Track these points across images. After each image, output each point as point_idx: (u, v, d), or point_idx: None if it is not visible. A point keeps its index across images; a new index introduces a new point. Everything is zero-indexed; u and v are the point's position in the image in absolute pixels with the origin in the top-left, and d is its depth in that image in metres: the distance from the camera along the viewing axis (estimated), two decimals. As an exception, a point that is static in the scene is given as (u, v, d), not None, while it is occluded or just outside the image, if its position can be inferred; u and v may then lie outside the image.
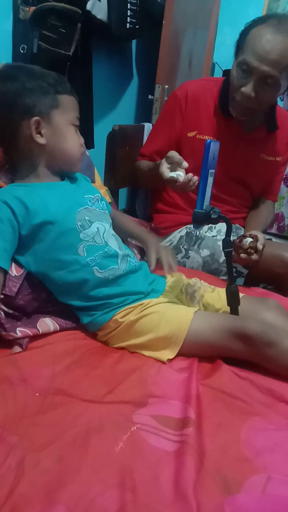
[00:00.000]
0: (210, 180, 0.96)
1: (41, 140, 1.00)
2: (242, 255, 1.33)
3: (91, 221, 1.03)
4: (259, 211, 1.69)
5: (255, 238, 1.36)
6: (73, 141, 1.04)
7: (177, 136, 1.58)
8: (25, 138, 1.00)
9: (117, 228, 1.15)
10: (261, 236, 1.38)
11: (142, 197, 1.94)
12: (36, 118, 0.98)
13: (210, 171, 0.95)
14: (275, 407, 0.85)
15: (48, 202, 0.99)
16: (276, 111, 1.57)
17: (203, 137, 1.55)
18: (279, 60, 1.31)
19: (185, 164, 1.28)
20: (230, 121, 1.52)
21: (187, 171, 1.57)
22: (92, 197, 1.09)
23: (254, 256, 1.34)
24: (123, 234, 1.18)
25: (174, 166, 1.29)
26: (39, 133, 1.00)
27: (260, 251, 1.34)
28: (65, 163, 1.06)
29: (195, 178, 1.29)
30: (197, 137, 1.56)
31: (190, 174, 1.28)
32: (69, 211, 1.01)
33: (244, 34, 1.38)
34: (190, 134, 1.56)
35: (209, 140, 0.93)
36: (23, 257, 1.00)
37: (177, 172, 1.28)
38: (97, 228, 1.04)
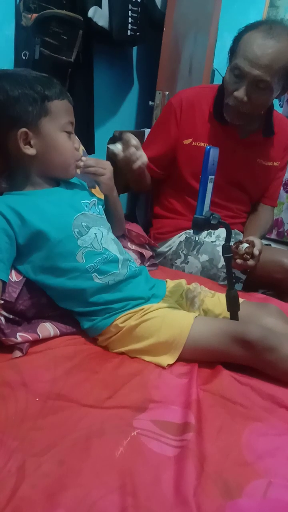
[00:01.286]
0: (210, 186, 0.96)
1: (30, 151, 0.98)
2: (238, 261, 1.34)
3: (88, 226, 1.03)
4: (257, 216, 1.69)
5: (252, 244, 1.36)
6: (65, 148, 1.02)
7: (172, 144, 1.58)
8: (15, 148, 0.98)
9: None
10: (257, 242, 1.38)
11: (142, 202, 1.94)
12: (22, 130, 0.96)
13: (210, 177, 0.95)
14: (276, 413, 0.85)
15: (44, 210, 0.99)
16: (273, 116, 1.58)
17: (198, 144, 1.56)
18: (270, 64, 1.33)
19: (133, 141, 1.23)
20: (225, 127, 1.54)
21: (186, 176, 1.59)
22: (89, 202, 1.08)
23: (250, 262, 1.34)
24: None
25: (125, 146, 1.26)
26: (28, 143, 0.98)
27: (257, 257, 1.35)
28: (58, 171, 1.05)
29: (139, 152, 1.25)
30: (192, 144, 1.57)
31: (133, 149, 1.24)
32: (65, 218, 1.01)
33: (236, 39, 1.41)
34: (186, 142, 1.57)
35: (208, 147, 0.93)
36: (22, 266, 1.00)
37: (116, 145, 1.24)
38: (95, 233, 1.03)
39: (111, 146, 1.24)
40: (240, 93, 1.38)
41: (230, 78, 1.41)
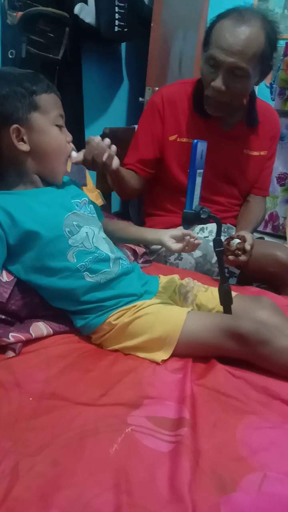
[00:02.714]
0: (199, 180, 0.96)
1: (24, 147, 0.98)
2: (230, 257, 1.34)
3: (79, 225, 1.02)
4: (249, 209, 1.68)
5: (243, 239, 1.36)
6: (58, 142, 1.02)
7: (159, 142, 1.57)
8: (8, 146, 0.98)
9: (124, 239, 1.11)
10: (249, 237, 1.38)
11: (135, 200, 1.94)
12: (14, 126, 0.96)
13: (198, 171, 0.95)
14: (270, 405, 0.85)
15: (34, 209, 0.98)
16: (256, 105, 1.57)
17: (183, 140, 1.56)
18: (243, 50, 1.32)
19: (96, 140, 1.18)
20: (207, 120, 1.53)
21: (175, 173, 1.57)
22: (80, 201, 1.08)
23: (242, 257, 1.34)
24: (134, 242, 1.16)
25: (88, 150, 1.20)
26: (22, 139, 0.98)
27: (249, 252, 1.34)
28: (52, 165, 1.04)
29: (103, 144, 1.17)
30: (177, 140, 1.56)
31: (96, 148, 1.17)
32: (56, 217, 1.00)
33: (209, 30, 1.40)
34: (171, 138, 1.56)
35: (196, 141, 0.93)
36: (13, 266, 1.00)
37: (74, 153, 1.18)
38: (86, 232, 1.03)
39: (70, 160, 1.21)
40: (217, 82, 1.37)
41: (207, 69, 1.40)
